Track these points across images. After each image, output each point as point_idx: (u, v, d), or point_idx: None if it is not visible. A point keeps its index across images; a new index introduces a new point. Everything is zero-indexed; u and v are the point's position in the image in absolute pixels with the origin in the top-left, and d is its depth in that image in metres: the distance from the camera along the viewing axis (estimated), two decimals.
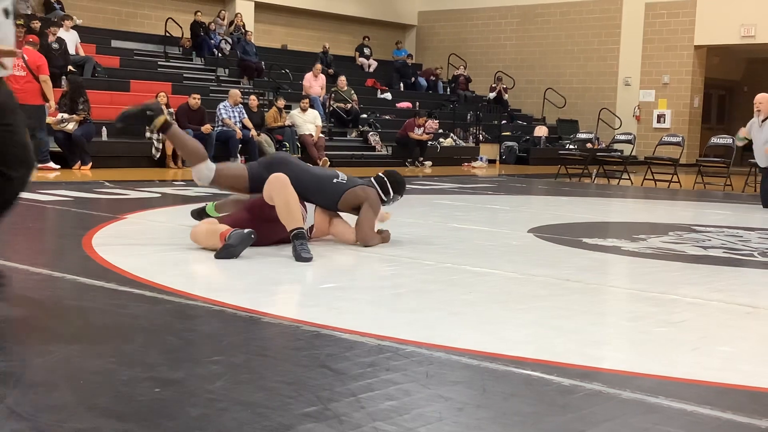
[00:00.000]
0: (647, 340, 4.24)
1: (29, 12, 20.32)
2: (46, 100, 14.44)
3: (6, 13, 4.81)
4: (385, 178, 7.13)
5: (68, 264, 5.80)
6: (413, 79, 28.20)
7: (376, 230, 6.92)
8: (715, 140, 18.50)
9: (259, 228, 6.30)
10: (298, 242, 6.20)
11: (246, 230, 6.11)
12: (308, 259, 6.08)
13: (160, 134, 6.34)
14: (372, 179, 7.12)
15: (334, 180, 6.91)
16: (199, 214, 7.30)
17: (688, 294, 5.37)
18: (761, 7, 24.90)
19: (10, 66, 4.80)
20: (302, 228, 6.33)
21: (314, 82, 22.17)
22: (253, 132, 18.01)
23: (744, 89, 31.26)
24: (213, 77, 22.64)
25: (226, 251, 6.02)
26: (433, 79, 28.66)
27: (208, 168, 6.61)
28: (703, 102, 27.76)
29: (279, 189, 6.35)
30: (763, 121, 11.88)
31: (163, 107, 6.08)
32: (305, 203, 6.70)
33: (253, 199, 6.57)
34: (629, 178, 18.43)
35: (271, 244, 6.56)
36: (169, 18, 23.68)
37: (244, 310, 4.47)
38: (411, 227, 8.15)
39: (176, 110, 17.14)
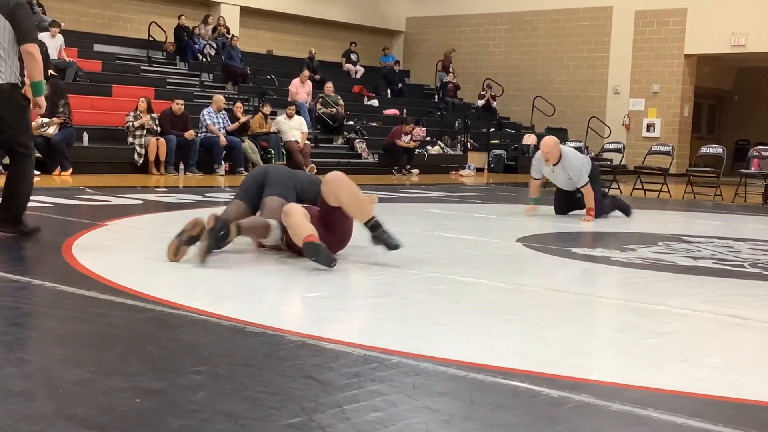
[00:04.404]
0: (636, 351, 4.21)
1: None
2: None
3: None
4: None
5: (47, 271, 5.76)
6: (400, 85, 28.19)
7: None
8: (704, 150, 18.55)
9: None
10: (381, 230, 6.42)
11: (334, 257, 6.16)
12: (399, 246, 6.40)
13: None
14: None
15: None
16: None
17: (678, 305, 5.35)
18: (752, 16, 24.94)
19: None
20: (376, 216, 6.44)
21: (301, 89, 22.11)
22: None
23: (734, 98, 31.41)
24: (197, 82, 22.55)
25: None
26: (447, 66, 28.76)
27: (275, 229, 6.47)
28: (693, 111, 27.80)
29: (340, 184, 6.41)
30: (554, 165, 10.84)
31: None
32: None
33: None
34: (618, 188, 18.42)
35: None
36: (152, 22, 23.54)
37: (227, 319, 4.42)
38: (398, 236, 8.09)
39: (159, 116, 17.04)
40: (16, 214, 7.05)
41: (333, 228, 6.52)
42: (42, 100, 7.07)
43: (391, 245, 6.41)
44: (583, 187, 10.70)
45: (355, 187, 6.48)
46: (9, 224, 7.06)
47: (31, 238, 7.04)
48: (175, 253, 6.06)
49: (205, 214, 6.56)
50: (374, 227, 6.42)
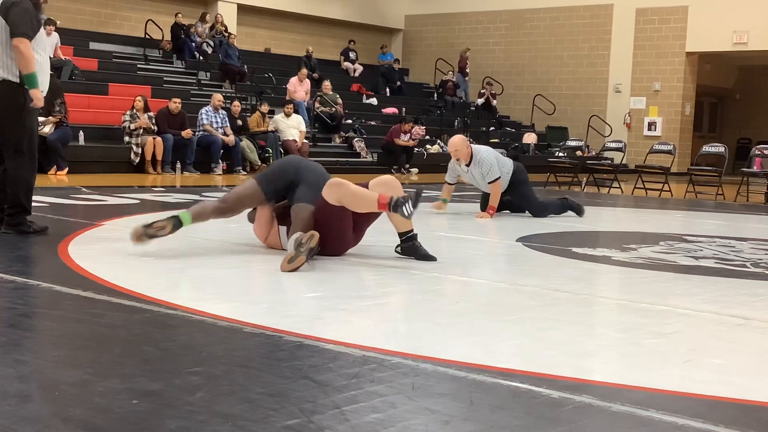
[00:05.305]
0: (637, 351, 4.19)
1: None
2: None
3: None
4: None
5: (43, 271, 5.76)
6: (399, 83, 28.15)
7: None
8: (706, 149, 18.53)
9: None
10: (418, 243, 6.63)
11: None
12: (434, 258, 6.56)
13: None
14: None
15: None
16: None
17: (679, 305, 5.33)
18: (754, 14, 24.90)
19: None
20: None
21: (299, 87, 22.07)
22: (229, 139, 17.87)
23: (736, 97, 31.39)
24: (194, 81, 22.49)
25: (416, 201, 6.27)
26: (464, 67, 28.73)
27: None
28: (695, 110, 27.78)
29: (400, 190, 6.54)
30: (467, 165, 10.44)
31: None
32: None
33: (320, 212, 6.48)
34: (619, 187, 18.42)
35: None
36: (149, 20, 23.51)
37: (224, 319, 4.40)
38: (397, 236, 8.07)
39: (156, 114, 16.99)
40: (17, 200, 7.13)
41: (361, 226, 6.70)
42: (35, 93, 7.07)
43: (427, 257, 6.57)
44: (492, 182, 10.37)
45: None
46: (14, 219, 7.14)
47: (27, 238, 7.01)
48: (137, 240, 6.22)
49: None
50: (412, 238, 6.61)
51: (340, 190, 6.28)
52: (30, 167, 7.25)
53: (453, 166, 10.70)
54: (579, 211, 10.92)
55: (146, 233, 6.20)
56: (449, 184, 10.95)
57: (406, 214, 6.23)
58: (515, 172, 10.60)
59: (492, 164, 10.29)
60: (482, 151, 10.52)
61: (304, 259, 5.84)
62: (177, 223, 6.31)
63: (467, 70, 28.94)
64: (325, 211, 6.33)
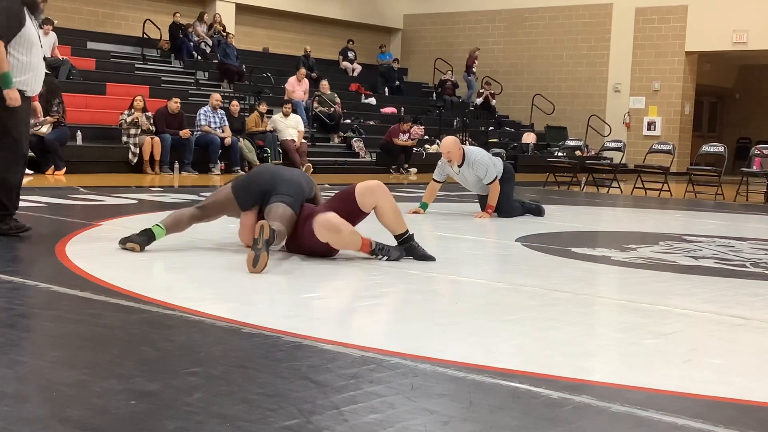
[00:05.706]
0: (637, 352, 4.18)
1: None
2: None
3: None
4: None
5: (41, 272, 5.74)
6: (398, 83, 28.13)
7: None
8: (706, 148, 18.52)
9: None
10: (416, 243, 6.63)
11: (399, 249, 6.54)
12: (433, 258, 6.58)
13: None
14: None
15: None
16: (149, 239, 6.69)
17: (679, 305, 5.32)
18: (754, 13, 24.87)
19: None
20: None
21: (297, 87, 22.02)
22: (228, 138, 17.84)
23: (736, 96, 31.36)
24: (192, 80, 22.46)
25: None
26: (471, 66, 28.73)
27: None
28: (694, 109, 27.74)
29: (386, 195, 6.53)
30: (459, 166, 10.32)
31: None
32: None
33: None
34: (619, 187, 18.41)
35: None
36: (147, 19, 23.42)
37: (222, 319, 4.39)
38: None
39: (154, 114, 16.94)
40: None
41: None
42: (8, 93, 6.92)
43: (426, 257, 6.57)
44: (489, 184, 10.31)
45: (393, 201, 6.58)
46: None
47: (24, 238, 6.99)
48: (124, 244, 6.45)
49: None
50: (408, 239, 6.60)
51: (331, 237, 6.27)
52: (11, 166, 7.16)
53: (443, 165, 10.58)
54: (539, 212, 10.82)
55: (124, 248, 6.39)
56: (436, 181, 10.77)
57: (381, 259, 6.43)
58: (504, 169, 10.58)
59: (488, 166, 10.23)
60: (475, 152, 10.46)
61: (267, 255, 5.78)
62: (149, 239, 6.43)
63: (474, 70, 28.89)
64: (353, 217, 6.44)
